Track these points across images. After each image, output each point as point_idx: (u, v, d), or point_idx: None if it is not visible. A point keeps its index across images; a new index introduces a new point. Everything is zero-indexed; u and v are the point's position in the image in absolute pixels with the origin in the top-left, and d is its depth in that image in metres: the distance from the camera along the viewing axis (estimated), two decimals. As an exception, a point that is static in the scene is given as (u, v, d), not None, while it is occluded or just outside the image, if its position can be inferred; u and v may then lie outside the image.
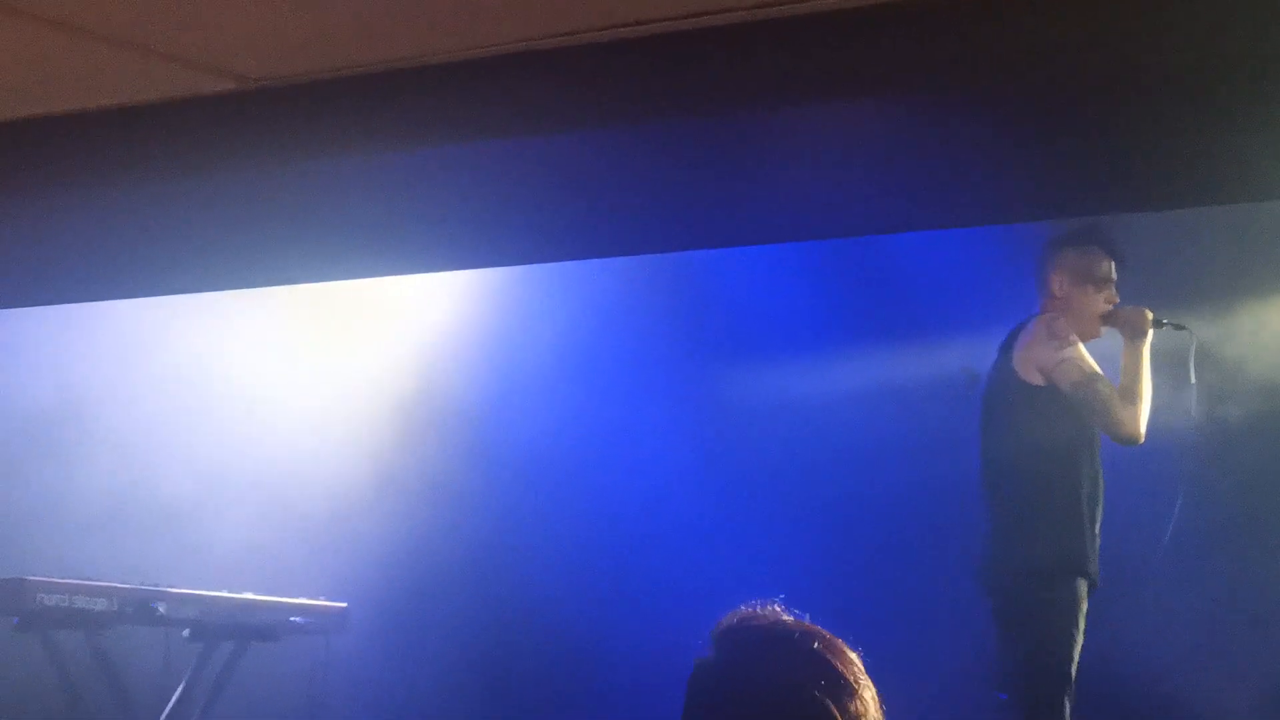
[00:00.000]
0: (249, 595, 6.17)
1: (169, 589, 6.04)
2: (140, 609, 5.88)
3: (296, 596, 6.32)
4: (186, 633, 6.06)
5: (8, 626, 5.93)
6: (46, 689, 6.07)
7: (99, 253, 3.16)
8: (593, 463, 7.29)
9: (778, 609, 2.42)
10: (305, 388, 7.27)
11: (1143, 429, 5.60)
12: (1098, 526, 5.70)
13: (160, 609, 5.90)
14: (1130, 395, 5.63)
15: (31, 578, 5.69)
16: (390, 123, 2.58)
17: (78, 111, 2.79)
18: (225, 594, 6.12)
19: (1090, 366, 5.60)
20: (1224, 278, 6.70)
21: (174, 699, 6.09)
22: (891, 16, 2.23)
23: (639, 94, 2.46)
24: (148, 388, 6.97)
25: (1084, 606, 5.63)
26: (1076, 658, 5.61)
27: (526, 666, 7.25)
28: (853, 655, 2.34)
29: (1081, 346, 5.65)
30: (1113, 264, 5.74)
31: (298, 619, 6.21)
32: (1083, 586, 5.63)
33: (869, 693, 2.31)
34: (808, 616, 2.43)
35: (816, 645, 2.32)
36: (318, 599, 6.37)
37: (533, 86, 2.46)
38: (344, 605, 6.41)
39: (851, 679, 2.30)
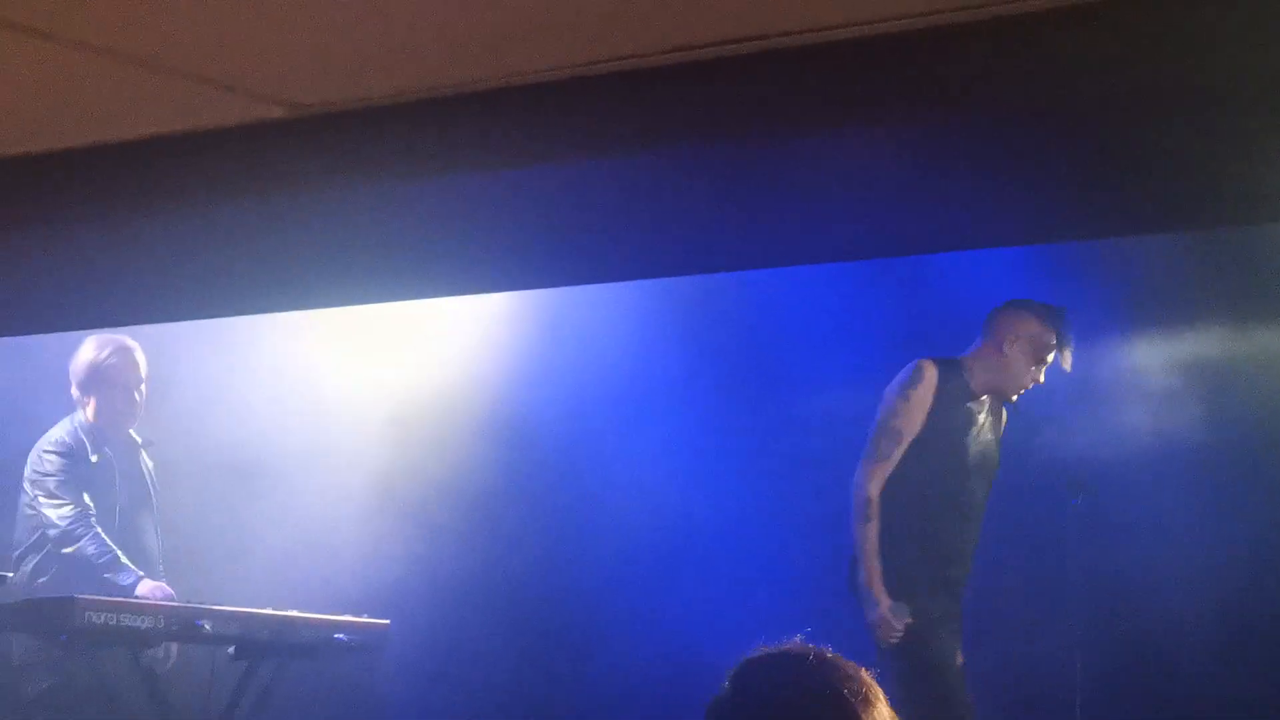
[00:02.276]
0: (293, 613, 6.21)
1: (214, 606, 6.10)
2: (185, 626, 5.93)
3: (339, 614, 6.36)
4: (231, 650, 6.12)
5: (55, 644, 6.01)
6: (92, 706, 6.13)
7: (149, 278, 3.20)
8: (635, 481, 7.32)
9: (798, 641, 2.46)
10: (344, 408, 7.31)
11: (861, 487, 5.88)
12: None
13: (205, 626, 5.94)
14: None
15: (80, 596, 5.75)
16: (437, 148, 2.62)
17: (126, 140, 2.82)
18: (269, 611, 6.16)
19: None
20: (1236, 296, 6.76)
21: (218, 716, 6.14)
22: (915, 43, 2.26)
23: (678, 120, 2.49)
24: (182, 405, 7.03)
25: (932, 637, 5.71)
26: (953, 684, 5.70)
27: (567, 685, 7.28)
28: (868, 677, 2.39)
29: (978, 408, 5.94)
30: (1056, 353, 5.94)
31: (341, 636, 6.24)
32: (924, 614, 5.79)
33: (885, 709, 2.37)
34: (832, 646, 2.46)
35: (829, 668, 2.37)
36: (361, 616, 6.41)
37: (579, 112, 2.50)
38: (386, 623, 6.44)
39: (864, 698, 2.35)
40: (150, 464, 6.63)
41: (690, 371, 7.45)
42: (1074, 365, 5.99)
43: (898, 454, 5.89)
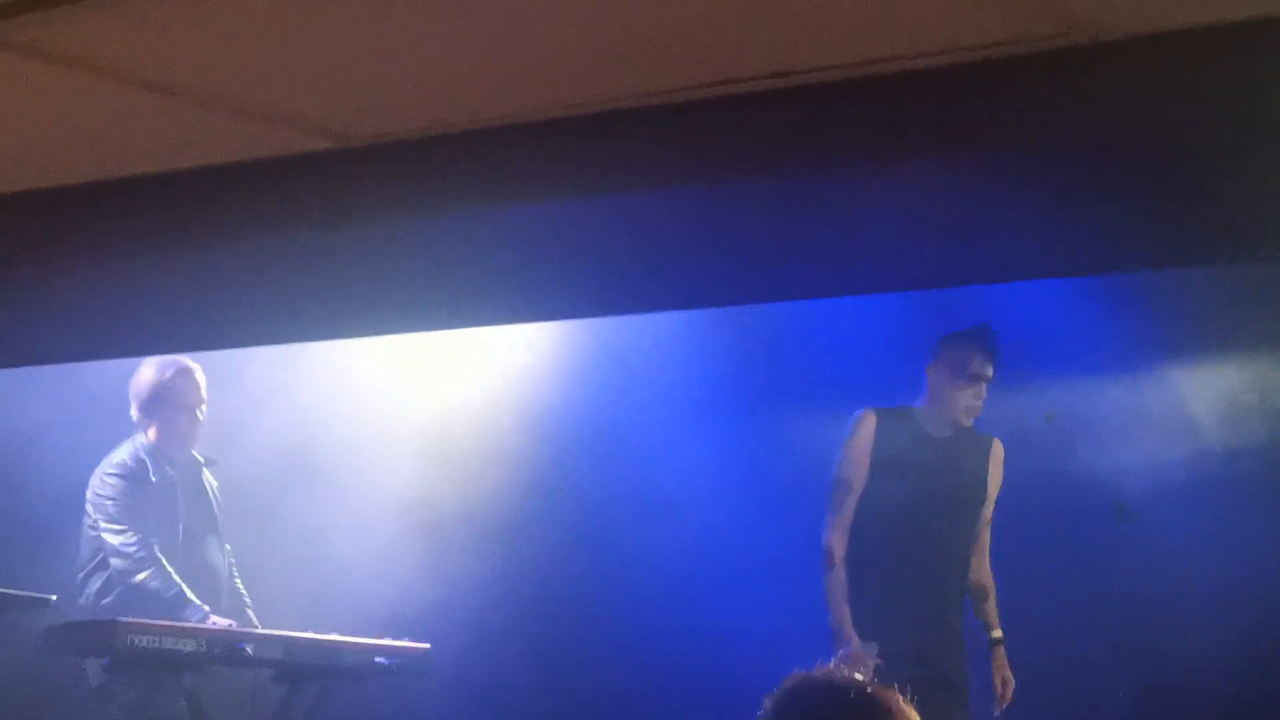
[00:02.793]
0: (334, 636, 6.23)
1: (256, 630, 6.12)
2: (228, 650, 5.95)
3: (380, 637, 6.38)
4: (272, 673, 6.14)
5: (98, 667, 6.04)
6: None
7: (198, 307, 3.24)
8: (670, 504, 7.34)
9: (831, 667, 2.47)
10: (383, 431, 7.34)
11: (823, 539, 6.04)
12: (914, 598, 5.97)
13: (247, 650, 5.96)
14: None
15: (123, 619, 5.78)
16: (478, 179, 2.65)
17: (173, 172, 2.86)
18: (310, 635, 6.18)
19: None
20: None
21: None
22: (956, 77, 2.28)
23: (719, 153, 2.52)
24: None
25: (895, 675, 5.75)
26: None
27: (606, 706, 7.29)
28: (909, 710, 2.40)
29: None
30: (988, 363, 6.01)
31: (382, 660, 6.25)
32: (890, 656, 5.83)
33: None
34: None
35: (871, 703, 2.40)
36: (401, 640, 6.42)
37: (619, 145, 2.53)
38: (427, 646, 6.45)
39: None
40: (214, 483, 6.66)
41: (724, 397, 7.47)
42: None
43: (851, 502, 6.03)
